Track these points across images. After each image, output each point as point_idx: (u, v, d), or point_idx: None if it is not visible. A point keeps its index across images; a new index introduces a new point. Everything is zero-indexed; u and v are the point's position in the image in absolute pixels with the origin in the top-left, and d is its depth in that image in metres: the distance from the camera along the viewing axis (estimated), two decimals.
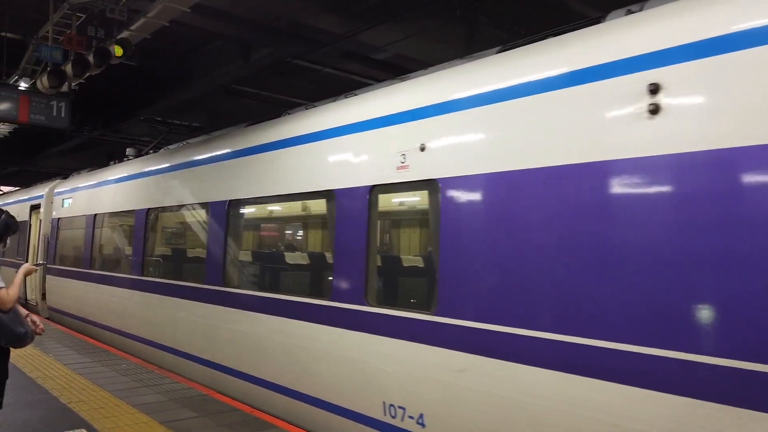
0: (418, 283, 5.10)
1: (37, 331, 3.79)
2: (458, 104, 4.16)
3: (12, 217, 3.94)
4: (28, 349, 7.53)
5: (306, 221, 7.15)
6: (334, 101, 6.02)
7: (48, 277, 12.46)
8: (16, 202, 15.76)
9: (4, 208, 4.16)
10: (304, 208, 6.77)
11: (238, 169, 6.55)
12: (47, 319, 12.32)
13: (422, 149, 4.35)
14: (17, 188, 26.72)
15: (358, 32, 9.00)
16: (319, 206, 6.11)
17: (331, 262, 5.15)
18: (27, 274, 3.94)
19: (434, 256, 4.22)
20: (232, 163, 6.71)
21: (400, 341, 4.34)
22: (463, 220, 4.01)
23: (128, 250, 9.58)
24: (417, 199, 5.21)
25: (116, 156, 23.23)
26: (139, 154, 11.20)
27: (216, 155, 7.08)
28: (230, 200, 6.61)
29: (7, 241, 4.04)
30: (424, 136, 4.35)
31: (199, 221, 7.34)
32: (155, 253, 8.72)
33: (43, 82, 7.07)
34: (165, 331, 7.78)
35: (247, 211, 6.85)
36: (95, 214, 10.33)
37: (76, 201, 11.37)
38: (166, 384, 6.60)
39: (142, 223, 8.50)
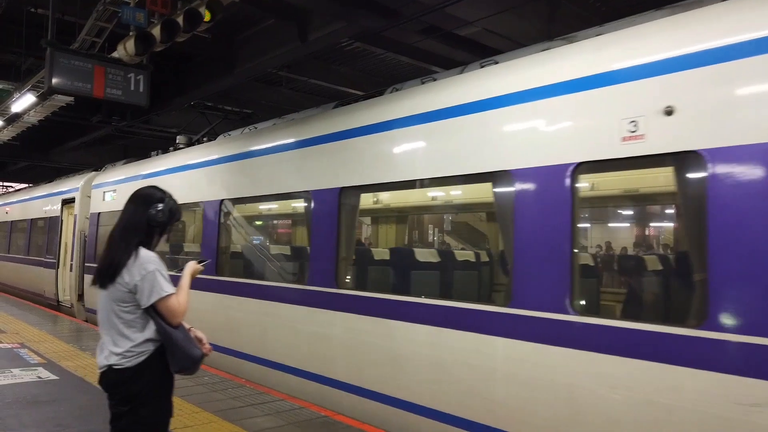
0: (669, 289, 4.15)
1: (204, 351, 2.83)
2: (745, 49, 3.17)
3: (176, 202, 2.97)
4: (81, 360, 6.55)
5: (459, 210, 6.21)
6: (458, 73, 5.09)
7: (87, 277, 11.49)
8: (44, 196, 14.75)
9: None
10: (456, 195, 5.81)
11: (355, 151, 5.60)
12: (84, 322, 11.35)
13: (669, 113, 3.40)
14: (28, 185, 25.73)
15: (448, 4, 8.03)
16: (479, 192, 5.15)
17: (506, 260, 4.21)
18: (194, 275, 2.97)
19: (701, 254, 3.28)
20: (344, 144, 5.76)
21: (636, 361, 3.40)
22: (746, 205, 3.07)
23: (193, 247, 8.66)
24: (654, 178, 4.25)
25: (132, 151, 22.27)
26: (190, 143, 10.24)
27: (320, 137, 6.12)
28: (342, 188, 5.66)
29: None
30: (675, 94, 3.40)
31: (295, 212, 6.43)
32: (233, 249, 7.78)
33: (127, 49, 6.08)
34: (250, 338, 6.83)
35: (373, 199, 5.90)
36: None
37: (123, 194, 10.38)
38: (271, 403, 5.65)
39: (215, 215, 7.54)
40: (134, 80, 6.69)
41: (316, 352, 5.84)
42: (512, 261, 4.12)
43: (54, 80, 6.48)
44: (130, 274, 2.66)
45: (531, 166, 4.04)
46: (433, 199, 5.89)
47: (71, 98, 10.52)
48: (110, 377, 2.68)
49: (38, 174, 28.84)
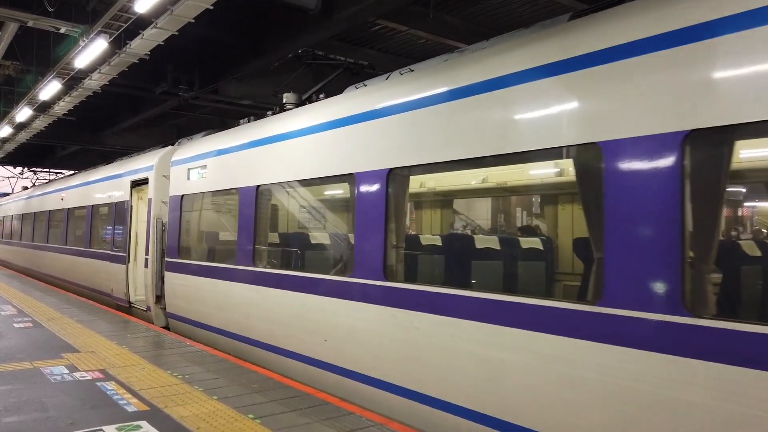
0: None
1: None
2: None
3: None
4: (198, 404, 4.86)
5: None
6: None
7: (168, 274, 9.29)
8: (107, 178, 12.64)
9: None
10: None
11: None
12: (163, 329, 9.19)
13: None
14: (73, 172, 24.01)
15: None
16: None
17: None
18: None
19: None
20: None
21: None
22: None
23: (334, 240, 6.38)
24: None
25: (186, 131, 20.12)
26: (301, 102, 7.87)
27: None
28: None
29: None
30: None
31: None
32: (411, 242, 5.46)
33: None
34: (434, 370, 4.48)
35: None
36: (257, 186, 7.02)
37: (217, 170, 8.10)
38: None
39: (381, 190, 5.14)
40: None
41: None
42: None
43: None
44: None
45: None
46: None
47: (148, 51, 8.29)
48: None
49: (88, 160, 27.11)
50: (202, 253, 8.77)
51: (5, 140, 19.94)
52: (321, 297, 5.73)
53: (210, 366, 6.49)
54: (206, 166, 8.35)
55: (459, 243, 6.31)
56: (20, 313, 10.20)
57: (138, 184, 10.83)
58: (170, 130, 24.20)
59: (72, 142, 24.38)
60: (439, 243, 6.45)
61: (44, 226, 17.65)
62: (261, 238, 7.16)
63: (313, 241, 7.03)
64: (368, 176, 5.29)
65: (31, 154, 32.16)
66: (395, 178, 5.09)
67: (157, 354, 7.12)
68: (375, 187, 5.19)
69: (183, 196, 8.97)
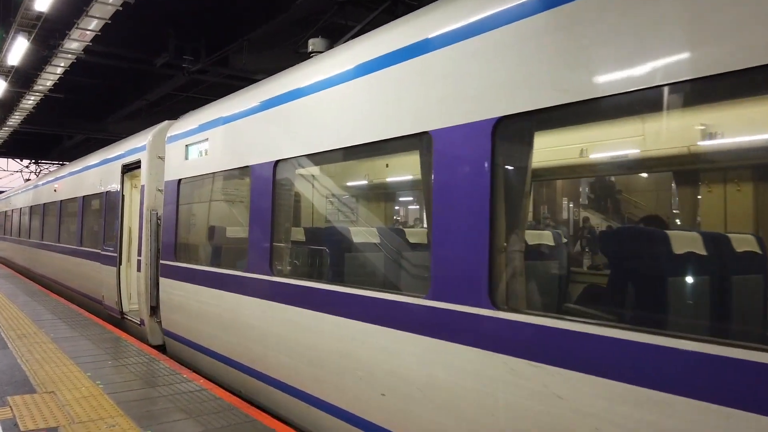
0: None
1: None
2: None
3: None
4: None
5: None
6: None
7: (163, 280, 7.33)
8: (98, 164, 10.70)
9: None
10: None
11: None
12: (155, 349, 7.26)
13: None
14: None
15: None
16: None
17: None
18: None
19: None
20: None
21: None
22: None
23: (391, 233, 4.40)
24: None
25: None
26: (331, 46, 5.80)
27: None
28: None
29: None
30: None
31: None
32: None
33: None
34: None
35: None
36: (276, 162, 4.97)
37: (222, 145, 6.07)
38: None
39: (477, 149, 3.08)
40: None
41: None
42: None
43: None
44: None
45: None
46: None
47: None
48: None
49: (93, 150, 25.44)
50: (202, 254, 6.78)
51: None
52: (416, 336, 3.57)
53: (211, 419, 4.49)
54: (208, 140, 6.33)
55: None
56: None
57: (130, 168, 8.86)
58: (176, 115, 22.40)
59: (75, 130, 22.65)
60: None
61: (39, 221, 15.84)
62: (281, 235, 5.11)
63: (380, 239, 4.91)
64: (448, 136, 3.21)
65: (37, 145, 30.63)
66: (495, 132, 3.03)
67: (140, 397, 5.15)
68: (477, 141, 3.11)
69: (180, 180, 6.98)
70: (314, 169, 5.12)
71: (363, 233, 5.04)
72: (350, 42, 4.65)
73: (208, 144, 6.32)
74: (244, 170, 5.51)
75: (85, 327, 8.50)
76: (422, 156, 3.66)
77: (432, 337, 3.28)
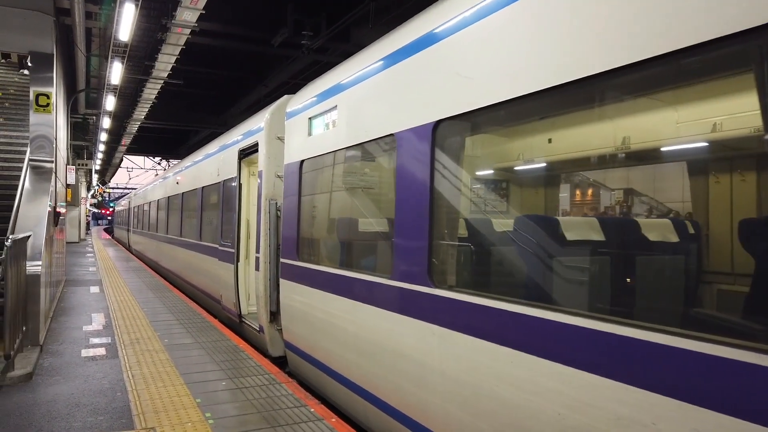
0: None
1: None
2: None
3: None
4: None
5: None
6: None
7: (283, 283, 6.12)
8: (215, 152, 9.90)
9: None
10: None
11: None
12: (275, 365, 6.10)
13: None
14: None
15: None
16: None
17: None
18: None
19: None
20: None
21: None
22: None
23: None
24: None
25: None
26: None
27: None
28: None
29: None
30: None
31: None
32: None
33: None
34: None
35: None
36: (436, 123, 3.44)
37: (357, 110, 4.64)
38: None
39: None
40: None
41: None
42: None
43: None
44: None
45: None
46: None
47: None
48: None
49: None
50: (330, 253, 5.46)
51: (119, 116, 18.42)
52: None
53: None
54: (336, 108, 4.96)
55: None
56: (105, 328, 7.69)
57: (248, 153, 7.83)
58: None
59: (197, 125, 22.88)
60: None
61: (165, 214, 15.71)
62: (445, 230, 3.58)
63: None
64: None
65: (166, 142, 31.92)
66: None
67: None
68: None
69: (302, 162, 5.71)
70: (500, 131, 3.54)
71: (588, 228, 3.24)
72: None
73: (336, 113, 4.96)
74: (386, 140, 4.06)
75: (201, 331, 7.60)
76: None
77: None
